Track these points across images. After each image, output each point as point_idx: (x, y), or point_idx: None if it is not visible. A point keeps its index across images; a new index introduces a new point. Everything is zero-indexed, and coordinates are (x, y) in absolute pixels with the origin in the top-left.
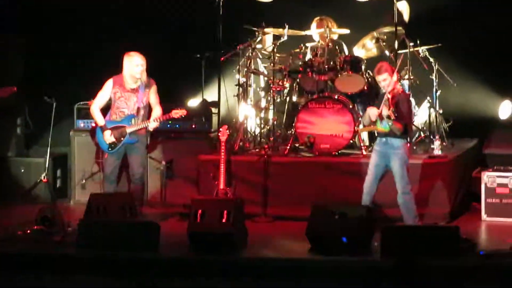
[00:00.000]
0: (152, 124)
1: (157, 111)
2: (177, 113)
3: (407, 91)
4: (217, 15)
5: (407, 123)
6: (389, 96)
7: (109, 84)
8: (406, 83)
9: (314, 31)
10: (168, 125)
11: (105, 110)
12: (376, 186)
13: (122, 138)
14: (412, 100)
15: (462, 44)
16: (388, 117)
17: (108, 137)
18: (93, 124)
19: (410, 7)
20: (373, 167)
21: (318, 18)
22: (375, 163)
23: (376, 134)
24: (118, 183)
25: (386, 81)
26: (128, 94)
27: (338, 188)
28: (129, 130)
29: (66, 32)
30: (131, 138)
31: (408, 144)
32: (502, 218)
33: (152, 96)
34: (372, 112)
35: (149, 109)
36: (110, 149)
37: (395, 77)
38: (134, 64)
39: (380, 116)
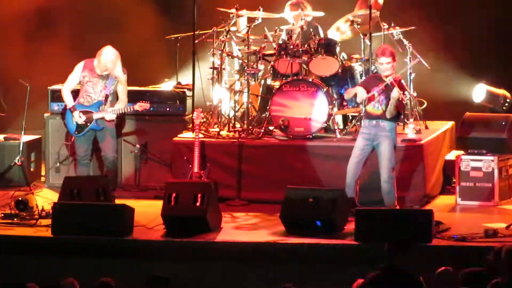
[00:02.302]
0: (108, 115)
1: (120, 103)
2: (141, 106)
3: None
4: None
5: (403, 107)
6: (391, 79)
7: (79, 67)
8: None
9: (288, 13)
10: None
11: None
12: (361, 169)
13: (88, 124)
14: None
15: (436, 26)
16: (398, 100)
17: (78, 117)
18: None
19: None
20: (360, 150)
21: (292, 0)
22: (362, 146)
23: (363, 117)
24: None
25: (389, 64)
26: (96, 79)
27: (312, 171)
28: (95, 116)
29: (39, 13)
30: (97, 125)
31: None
32: (476, 201)
33: (120, 86)
34: (361, 92)
35: (116, 98)
36: (77, 132)
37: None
38: (102, 65)
39: (373, 98)
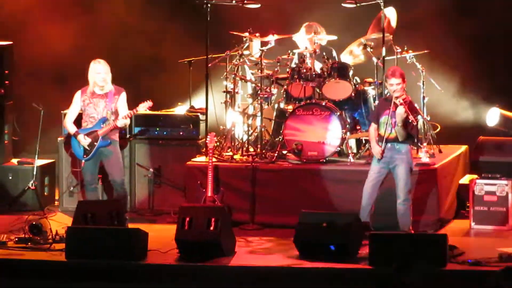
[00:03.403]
0: (121, 122)
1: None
2: (144, 106)
3: None
4: (204, 21)
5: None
6: (401, 101)
7: (77, 95)
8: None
9: (303, 36)
10: (156, 132)
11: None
12: (376, 192)
13: (95, 143)
14: None
15: (449, 50)
16: (406, 119)
17: (83, 140)
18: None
19: (397, 14)
20: (376, 173)
21: (306, 24)
22: (377, 169)
23: (377, 140)
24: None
25: (399, 85)
26: (96, 99)
27: (326, 196)
28: (101, 132)
29: (52, 36)
30: (103, 140)
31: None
32: (490, 226)
33: (121, 104)
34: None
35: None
36: (85, 156)
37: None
38: (95, 72)
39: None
